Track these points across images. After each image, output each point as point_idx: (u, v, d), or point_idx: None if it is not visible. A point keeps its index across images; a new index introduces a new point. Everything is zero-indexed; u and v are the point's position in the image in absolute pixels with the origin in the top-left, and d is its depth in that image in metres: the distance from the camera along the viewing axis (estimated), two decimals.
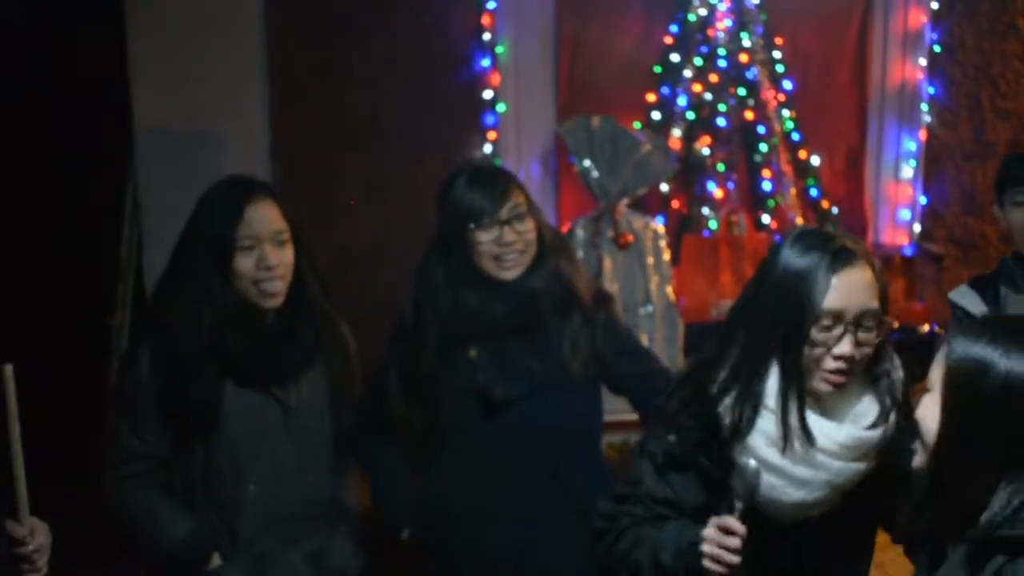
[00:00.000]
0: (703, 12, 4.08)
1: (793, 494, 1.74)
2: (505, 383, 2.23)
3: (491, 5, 4.03)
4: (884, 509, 1.74)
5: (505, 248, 2.22)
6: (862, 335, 1.71)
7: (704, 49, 4.10)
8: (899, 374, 1.79)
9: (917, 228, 4.47)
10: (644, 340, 3.60)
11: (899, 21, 4.37)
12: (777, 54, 4.18)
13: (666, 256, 3.97)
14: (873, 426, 1.74)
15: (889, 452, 1.74)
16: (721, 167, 4.09)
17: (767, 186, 4.16)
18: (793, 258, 1.72)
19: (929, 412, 1.47)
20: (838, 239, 1.74)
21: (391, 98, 3.97)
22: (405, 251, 4.13)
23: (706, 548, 1.66)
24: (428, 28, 4.00)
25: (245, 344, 2.06)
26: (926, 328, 4.15)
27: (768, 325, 1.74)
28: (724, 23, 4.08)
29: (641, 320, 3.83)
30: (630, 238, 3.84)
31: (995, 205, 2.61)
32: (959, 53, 4.48)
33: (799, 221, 4.19)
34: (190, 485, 2.07)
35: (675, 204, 4.22)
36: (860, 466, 1.74)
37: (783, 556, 1.82)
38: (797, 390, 1.71)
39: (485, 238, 2.22)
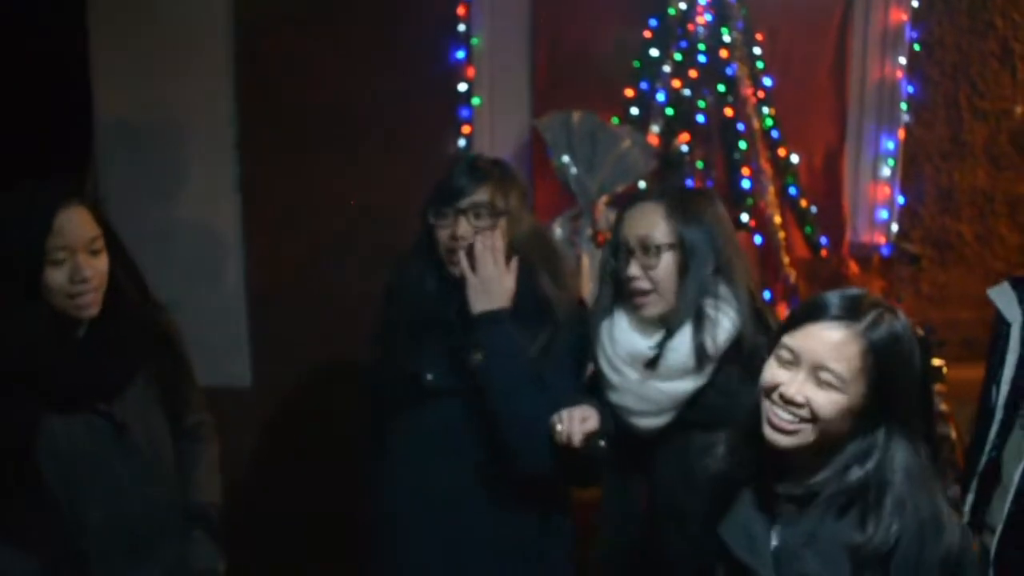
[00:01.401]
0: (683, 6, 3.99)
1: (612, 397, 2.14)
2: (438, 372, 2.20)
3: None
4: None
5: (455, 242, 2.18)
6: (645, 260, 2.09)
7: (683, 44, 4.01)
8: (726, 320, 2.09)
9: (895, 228, 4.44)
10: None
11: (880, 19, 4.33)
12: (757, 50, 4.12)
13: None
14: (657, 346, 2.10)
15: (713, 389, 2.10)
16: (700, 164, 4.02)
17: (746, 184, 4.09)
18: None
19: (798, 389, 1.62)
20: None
21: (362, 90, 3.86)
22: (376, 245, 4.06)
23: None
24: (401, 19, 3.89)
25: (61, 364, 1.91)
26: None
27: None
28: (704, 18, 4.00)
29: None
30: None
31: None
32: (938, 52, 4.45)
33: (777, 220, 4.13)
34: (26, 521, 1.92)
35: None
36: (670, 385, 2.09)
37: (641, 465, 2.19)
38: (623, 308, 2.18)
39: (441, 224, 2.20)
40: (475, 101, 3.97)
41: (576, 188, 3.77)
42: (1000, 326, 2.36)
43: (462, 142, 3.96)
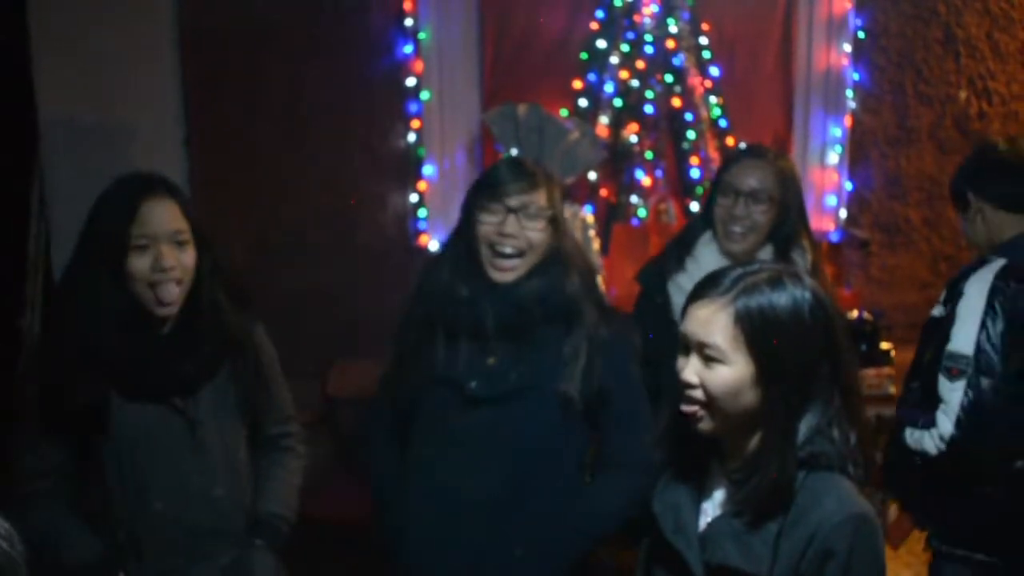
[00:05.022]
0: None
1: None
2: (480, 380, 2.16)
3: None
4: None
5: (501, 237, 2.15)
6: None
7: (630, 35, 4.05)
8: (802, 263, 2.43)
9: (843, 214, 4.49)
10: None
11: (823, 7, 4.37)
12: (703, 40, 4.15)
13: (595, 245, 3.92)
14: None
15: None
16: (649, 155, 4.05)
17: (695, 173, 4.13)
18: None
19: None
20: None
21: (311, 86, 3.86)
22: (325, 240, 4.07)
23: None
24: (348, 13, 3.89)
25: (134, 352, 1.94)
26: (855, 314, 4.16)
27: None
28: (650, 8, 4.03)
29: None
30: None
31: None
32: (883, 39, 4.50)
33: None
34: (92, 502, 1.96)
35: (603, 192, 4.17)
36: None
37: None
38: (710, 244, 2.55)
39: (488, 220, 2.17)
40: (424, 96, 3.96)
41: None
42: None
43: (412, 137, 3.95)
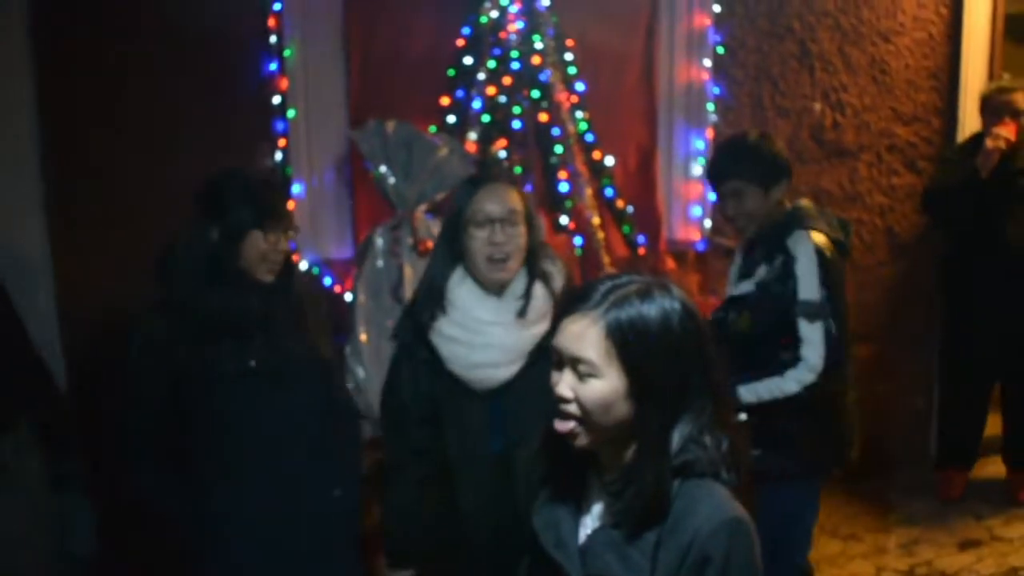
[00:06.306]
0: (495, 14, 4.05)
1: (472, 356, 2.49)
2: None
3: (276, 7, 3.87)
4: None
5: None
6: (510, 231, 2.49)
7: (497, 51, 4.06)
8: (556, 272, 2.59)
9: (708, 224, 4.61)
10: None
11: (684, 24, 4.49)
12: (568, 56, 4.21)
13: None
14: (518, 300, 2.52)
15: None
16: (518, 169, 4.08)
17: (564, 187, 4.18)
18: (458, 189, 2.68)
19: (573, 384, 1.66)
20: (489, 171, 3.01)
21: (174, 105, 3.75)
22: None
23: None
24: (210, 31, 3.80)
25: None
26: None
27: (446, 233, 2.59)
28: (516, 25, 4.06)
29: None
30: (430, 244, 3.76)
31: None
32: (740, 54, 4.65)
33: (596, 221, 4.23)
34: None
35: None
36: (520, 332, 2.50)
37: (485, 417, 2.53)
38: (468, 279, 2.55)
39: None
40: (290, 114, 3.91)
41: (395, 198, 3.77)
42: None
43: (279, 155, 3.90)
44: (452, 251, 2.57)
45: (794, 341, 2.99)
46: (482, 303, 2.54)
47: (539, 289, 2.55)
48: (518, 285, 2.55)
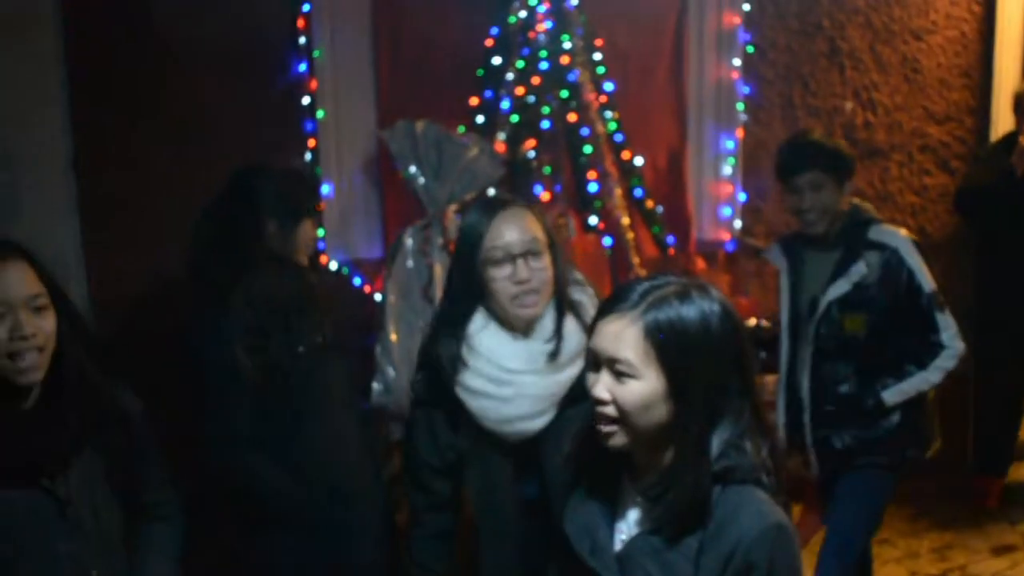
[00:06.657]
0: (523, 14, 4.05)
1: (503, 410, 2.23)
2: None
3: (306, 8, 3.89)
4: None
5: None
6: (534, 263, 2.21)
7: (525, 51, 4.06)
8: (586, 299, 2.31)
9: (738, 224, 4.59)
10: None
11: (713, 23, 4.47)
12: (597, 56, 4.20)
13: None
14: (548, 341, 2.24)
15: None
16: (547, 170, 4.07)
17: (593, 187, 4.17)
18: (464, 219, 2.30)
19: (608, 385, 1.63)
20: (498, 197, 2.52)
21: (204, 106, 3.77)
22: None
23: None
24: (241, 33, 3.82)
25: (2, 435, 1.82)
26: (753, 321, 4.26)
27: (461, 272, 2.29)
28: (544, 25, 4.06)
29: None
30: None
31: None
32: (770, 53, 4.62)
33: (625, 221, 4.22)
34: None
35: None
36: (554, 377, 2.23)
37: (514, 469, 2.33)
38: (495, 320, 2.26)
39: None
40: (319, 114, 3.92)
41: (425, 198, 3.77)
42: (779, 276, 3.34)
43: (308, 156, 3.91)
44: (470, 292, 2.29)
45: (923, 332, 3.06)
46: (509, 349, 2.27)
47: (570, 324, 2.28)
48: (547, 322, 2.28)
